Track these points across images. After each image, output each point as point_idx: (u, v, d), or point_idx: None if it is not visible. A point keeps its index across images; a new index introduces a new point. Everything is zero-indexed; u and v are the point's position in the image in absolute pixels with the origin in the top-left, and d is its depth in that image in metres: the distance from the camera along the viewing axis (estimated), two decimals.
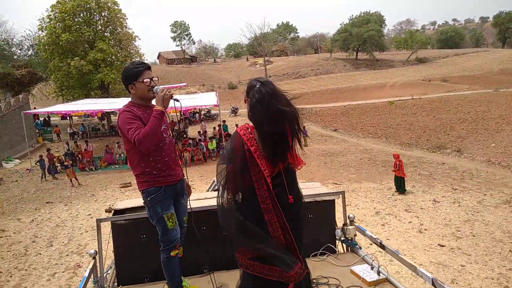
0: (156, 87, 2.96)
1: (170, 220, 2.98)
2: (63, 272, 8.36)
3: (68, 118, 30.65)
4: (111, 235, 3.53)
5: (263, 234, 2.43)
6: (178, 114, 3.22)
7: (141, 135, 2.75)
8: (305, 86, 50.24)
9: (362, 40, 61.77)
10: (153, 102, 3.07)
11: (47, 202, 13.80)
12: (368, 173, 15.73)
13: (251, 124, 2.56)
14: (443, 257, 8.04)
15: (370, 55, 63.69)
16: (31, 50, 34.50)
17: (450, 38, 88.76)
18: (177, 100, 2.96)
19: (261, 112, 2.48)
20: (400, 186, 12.60)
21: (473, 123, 23.22)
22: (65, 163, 16.95)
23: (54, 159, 18.23)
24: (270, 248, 2.42)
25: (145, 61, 3.09)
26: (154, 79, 2.99)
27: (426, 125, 24.36)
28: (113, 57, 29.29)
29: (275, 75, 56.00)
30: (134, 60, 27.65)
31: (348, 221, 3.90)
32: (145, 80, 2.94)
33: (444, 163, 16.60)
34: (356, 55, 64.34)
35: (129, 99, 3.09)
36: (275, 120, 2.46)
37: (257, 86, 2.54)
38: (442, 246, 8.54)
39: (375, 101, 34.34)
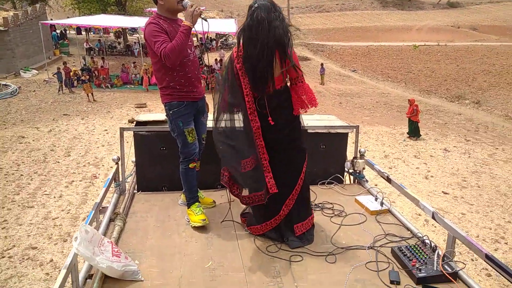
0: (185, 1, 2.96)
1: (191, 134, 3.11)
2: (80, 181, 8.83)
3: (84, 32, 30.29)
4: (133, 144, 3.73)
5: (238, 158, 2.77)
6: (203, 36, 3.22)
7: (168, 49, 2.79)
8: (328, 22, 48.38)
9: None
10: (179, 16, 3.10)
11: (64, 114, 14.17)
12: (382, 116, 15.71)
13: None
14: (445, 203, 8.30)
15: None
16: None
17: None
18: (205, 20, 2.96)
19: (246, 36, 2.66)
20: (414, 130, 12.65)
21: (497, 76, 22.56)
22: (82, 78, 17.08)
23: (71, 73, 18.36)
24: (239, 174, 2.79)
25: None
26: None
27: (448, 74, 23.76)
28: None
29: (298, 7, 53.79)
30: None
31: (358, 155, 4.05)
32: None
33: (460, 114, 16.45)
34: None
35: (145, 19, 3.11)
36: (256, 49, 2.59)
37: (253, 8, 2.64)
38: (446, 193, 8.78)
39: (399, 44, 33.23)
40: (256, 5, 2.63)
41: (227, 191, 3.61)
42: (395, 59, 28.36)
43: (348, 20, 49.53)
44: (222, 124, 2.79)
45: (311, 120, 4.28)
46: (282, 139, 2.82)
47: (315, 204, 3.45)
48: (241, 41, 2.69)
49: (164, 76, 3.01)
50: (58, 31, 28.77)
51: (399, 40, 35.15)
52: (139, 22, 19.93)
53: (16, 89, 17.44)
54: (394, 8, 57.92)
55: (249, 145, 2.74)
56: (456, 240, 2.61)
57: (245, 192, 2.90)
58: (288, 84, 2.82)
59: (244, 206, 3.25)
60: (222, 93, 2.79)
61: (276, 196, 2.79)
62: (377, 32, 41.39)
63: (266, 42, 2.57)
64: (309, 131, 3.87)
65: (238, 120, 2.78)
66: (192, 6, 2.90)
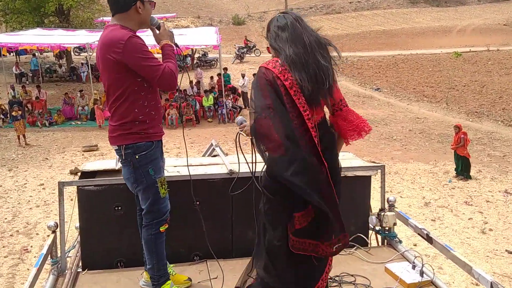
0: (152, 16, 3.18)
1: (163, 186, 3.15)
2: (5, 257, 8.70)
3: (13, 53, 30.72)
4: (76, 204, 3.71)
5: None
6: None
7: (173, 69, 3.00)
8: (339, 26, 49.60)
9: None
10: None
11: None
12: (418, 150, 15.81)
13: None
14: (511, 267, 8.23)
15: None
16: None
17: None
18: (177, 46, 3.26)
19: (284, 37, 2.75)
20: (463, 168, 12.70)
21: None
22: (13, 113, 17.17)
23: None
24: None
25: None
26: None
27: (503, 89, 24.15)
28: None
29: (299, 8, 55.21)
30: None
31: (386, 206, 4.05)
32: (154, 2, 3.15)
33: None
34: None
35: (95, 33, 3.21)
36: (303, 45, 2.71)
37: (277, 15, 2.86)
38: (511, 253, 8.73)
39: (435, 51, 33.92)
40: (278, 14, 2.88)
41: (207, 264, 3.58)
42: (432, 72, 28.86)
43: (366, 23, 50.80)
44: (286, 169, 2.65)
45: None
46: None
47: (331, 278, 3.41)
48: (279, 48, 2.75)
49: (131, 107, 3.06)
50: None
51: (435, 46, 35.90)
52: (87, 37, 20.35)
53: None
54: (427, 4, 59.60)
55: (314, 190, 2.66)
56: None
57: None
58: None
59: (232, 280, 3.21)
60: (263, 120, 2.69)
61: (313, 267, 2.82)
62: (405, 36, 42.37)
63: (308, 37, 2.74)
64: None
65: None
66: (164, 24, 3.20)
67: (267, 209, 2.86)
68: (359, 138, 2.94)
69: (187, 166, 3.42)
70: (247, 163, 3.12)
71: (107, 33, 3.04)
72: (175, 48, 3.20)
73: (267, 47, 2.89)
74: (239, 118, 3.19)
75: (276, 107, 2.62)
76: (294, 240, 2.74)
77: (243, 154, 3.21)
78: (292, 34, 2.74)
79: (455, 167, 13.02)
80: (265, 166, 2.81)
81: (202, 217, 3.45)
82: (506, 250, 8.79)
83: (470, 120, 20.36)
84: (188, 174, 3.38)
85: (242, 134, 3.07)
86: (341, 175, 3.94)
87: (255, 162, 3.05)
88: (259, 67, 2.81)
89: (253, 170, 3.07)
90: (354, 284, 3.39)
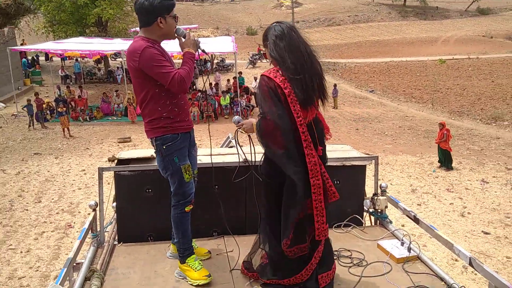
0: (178, 27, 3.15)
1: (187, 172, 3.15)
2: (52, 231, 8.80)
3: (58, 58, 30.88)
4: (113, 186, 3.74)
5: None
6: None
7: (183, 75, 2.96)
8: (339, 36, 49.30)
9: None
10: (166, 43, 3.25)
11: (35, 153, 14.28)
12: (407, 144, 15.74)
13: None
14: (486, 246, 8.19)
15: (421, 1, 61.65)
16: None
17: None
18: (204, 52, 3.24)
19: (282, 47, 2.72)
20: (446, 160, 12.63)
21: None
22: (59, 110, 17.33)
23: (44, 105, 18.65)
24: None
25: None
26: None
27: (482, 91, 23.92)
28: None
29: (304, 21, 54.98)
30: None
31: (379, 191, 4.03)
32: (176, 16, 3.12)
33: (499, 138, 16.45)
34: (405, 1, 62.37)
35: (129, 41, 3.21)
36: (300, 53, 2.70)
37: (273, 25, 2.81)
38: (487, 233, 8.68)
39: (423, 58, 33.66)
40: (275, 23, 2.83)
41: (223, 240, 3.60)
42: (419, 77, 28.65)
43: (362, 34, 50.47)
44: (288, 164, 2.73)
45: None
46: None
47: None
48: (278, 58, 2.73)
49: (155, 106, 3.09)
50: (29, 58, 29.40)
51: (422, 54, 35.62)
52: (122, 45, 20.41)
53: None
54: (416, 17, 59.07)
55: (306, 187, 2.74)
56: None
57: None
58: None
59: (246, 254, 3.23)
60: (274, 131, 2.69)
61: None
62: (397, 46, 42.05)
63: (304, 46, 2.74)
64: None
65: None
66: (190, 34, 3.16)
67: (265, 192, 2.95)
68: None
69: (210, 155, 3.44)
70: (250, 153, 3.12)
71: (131, 44, 3.09)
72: (198, 53, 3.18)
73: (264, 53, 2.87)
74: (235, 117, 3.16)
75: (279, 111, 2.66)
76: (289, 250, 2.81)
77: (241, 148, 3.24)
78: (289, 43, 2.71)
79: (438, 159, 12.97)
80: (264, 157, 2.91)
81: (220, 199, 3.49)
82: (482, 231, 8.75)
83: (453, 118, 20.20)
84: (211, 162, 3.39)
85: (241, 132, 3.07)
86: (340, 164, 3.99)
87: (255, 153, 3.10)
88: (261, 75, 2.80)
89: (253, 160, 3.10)
90: (350, 258, 3.38)
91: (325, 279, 2.91)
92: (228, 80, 23.99)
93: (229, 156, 4.04)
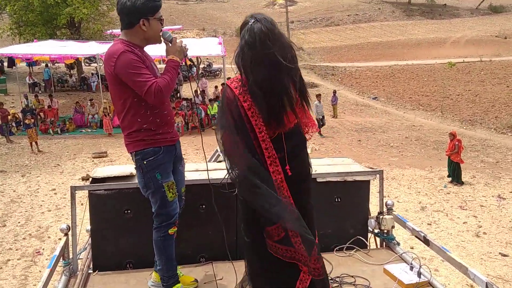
0: (166, 33, 3.17)
1: (171, 190, 3.15)
2: (18, 259, 8.70)
3: (18, 64, 30.73)
4: (87, 208, 3.72)
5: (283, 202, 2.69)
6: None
7: (162, 85, 2.93)
8: (338, 38, 49.71)
9: None
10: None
11: None
12: (414, 156, 15.80)
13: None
14: (504, 269, 8.20)
15: None
16: None
17: None
18: (192, 62, 3.36)
19: (248, 57, 2.65)
20: (456, 174, 12.69)
21: None
22: (26, 121, 17.25)
23: (9, 117, 18.55)
24: (293, 220, 2.69)
25: None
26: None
27: (496, 98, 24.15)
28: None
29: (299, 21, 55.47)
30: None
31: (385, 209, 4.04)
32: (162, 18, 3.13)
33: None
34: None
35: (105, 44, 3.19)
36: (267, 70, 2.62)
37: (250, 23, 2.68)
38: (505, 255, 8.68)
39: (430, 61, 33.97)
40: (252, 20, 2.70)
41: (213, 265, 3.58)
42: (427, 82, 28.89)
43: (363, 35, 50.93)
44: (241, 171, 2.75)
45: (320, 165, 4.30)
46: (300, 196, 2.84)
47: (331, 279, 3.40)
48: (241, 66, 2.70)
49: (134, 117, 3.09)
50: None
51: (430, 57, 35.98)
52: (97, 48, 20.41)
53: None
54: (422, 17, 59.76)
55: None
56: None
57: None
58: None
59: (237, 281, 3.23)
60: (232, 148, 2.75)
61: (287, 270, 2.82)
62: (401, 48, 42.46)
63: (278, 58, 2.61)
64: (318, 180, 3.89)
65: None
66: (177, 40, 3.16)
67: (243, 217, 2.99)
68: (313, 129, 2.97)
69: (207, 170, 3.41)
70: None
71: (109, 47, 3.09)
72: (182, 61, 3.19)
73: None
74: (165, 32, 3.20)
75: (237, 126, 2.67)
76: (277, 246, 2.79)
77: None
78: (259, 54, 2.62)
79: (447, 173, 13.01)
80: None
81: (219, 219, 3.39)
82: (500, 253, 8.76)
83: (464, 127, 20.36)
84: (207, 178, 3.34)
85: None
86: (341, 180, 3.99)
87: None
88: (226, 84, 2.82)
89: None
90: (354, 284, 3.37)
91: None
92: (216, 86, 24.04)
93: (218, 172, 4.04)
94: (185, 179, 3.53)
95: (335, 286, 3.33)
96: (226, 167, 2.81)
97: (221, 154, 4.82)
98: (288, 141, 2.78)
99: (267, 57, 2.61)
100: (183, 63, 3.24)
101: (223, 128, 2.72)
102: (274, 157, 2.71)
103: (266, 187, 2.64)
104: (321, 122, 18.32)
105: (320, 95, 20.18)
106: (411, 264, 3.56)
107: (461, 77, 29.02)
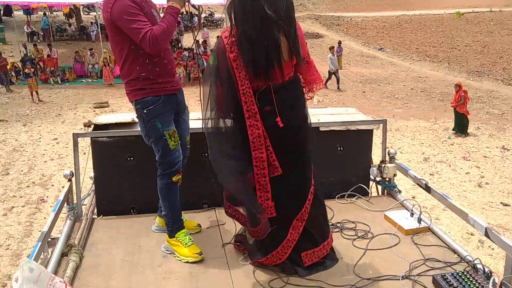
0: None
1: (173, 138, 3.14)
2: (23, 206, 8.83)
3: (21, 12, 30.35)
4: (90, 155, 3.76)
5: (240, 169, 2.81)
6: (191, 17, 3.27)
7: (157, 32, 2.86)
8: None
9: None
10: None
11: (0, 120, 14.21)
12: (419, 108, 15.77)
13: None
14: (505, 218, 8.31)
15: None
16: None
17: None
18: (195, 8, 3.20)
19: (239, 9, 2.64)
20: (461, 125, 12.69)
21: None
22: (26, 71, 17.16)
23: (8, 66, 18.43)
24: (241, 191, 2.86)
25: None
26: None
27: (504, 49, 23.85)
28: None
29: None
30: None
31: (387, 158, 4.07)
32: None
33: None
34: None
35: None
36: (256, 22, 2.60)
37: None
38: (506, 205, 8.79)
39: (438, 11, 33.36)
40: None
41: (216, 211, 3.65)
42: (435, 32, 28.48)
43: None
44: (216, 124, 2.82)
45: (324, 114, 4.31)
46: (293, 148, 2.86)
47: (333, 224, 3.48)
48: (233, 17, 2.68)
49: (132, 66, 3.06)
50: None
51: (438, 6, 35.26)
52: None
53: None
54: None
55: (249, 158, 2.78)
56: None
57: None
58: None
59: (238, 229, 3.29)
60: (214, 85, 2.80)
61: (281, 217, 2.85)
62: None
63: (268, 12, 2.56)
64: (321, 128, 3.91)
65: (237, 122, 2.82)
66: None
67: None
68: (319, 86, 2.96)
69: (202, 119, 3.43)
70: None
71: None
72: (183, 8, 3.08)
73: None
74: None
75: (225, 76, 2.71)
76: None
77: None
78: (251, 6, 2.58)
79: (453, 125, 13.02)
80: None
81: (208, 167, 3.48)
82: (501, 203, 8.87)
83: (471, 79, 20.20)
84: (202, 127, 3.38)
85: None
86: (344, 129, 4.00)
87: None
88: (222, 32, 2.82)
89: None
90: (354, 230, 3.44)
91: (311, 256, 2.92)
92: (218, 36, 23.58)
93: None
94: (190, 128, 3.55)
95: (336, 231, 3.40)
96: (203, 115, 2.88)
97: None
98: (278, 94, 2.75)
99: (256, 9, 2.58)
100: (184, 11, 3.14)
101: (214, 76, 2.77)
102: (253, 111, 2.71)
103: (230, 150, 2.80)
104: (336, 75, 18.09)
105: (333, 47, 19.69)
106: (412, 210, 3.62)
107: (470, 27, 28.58)
